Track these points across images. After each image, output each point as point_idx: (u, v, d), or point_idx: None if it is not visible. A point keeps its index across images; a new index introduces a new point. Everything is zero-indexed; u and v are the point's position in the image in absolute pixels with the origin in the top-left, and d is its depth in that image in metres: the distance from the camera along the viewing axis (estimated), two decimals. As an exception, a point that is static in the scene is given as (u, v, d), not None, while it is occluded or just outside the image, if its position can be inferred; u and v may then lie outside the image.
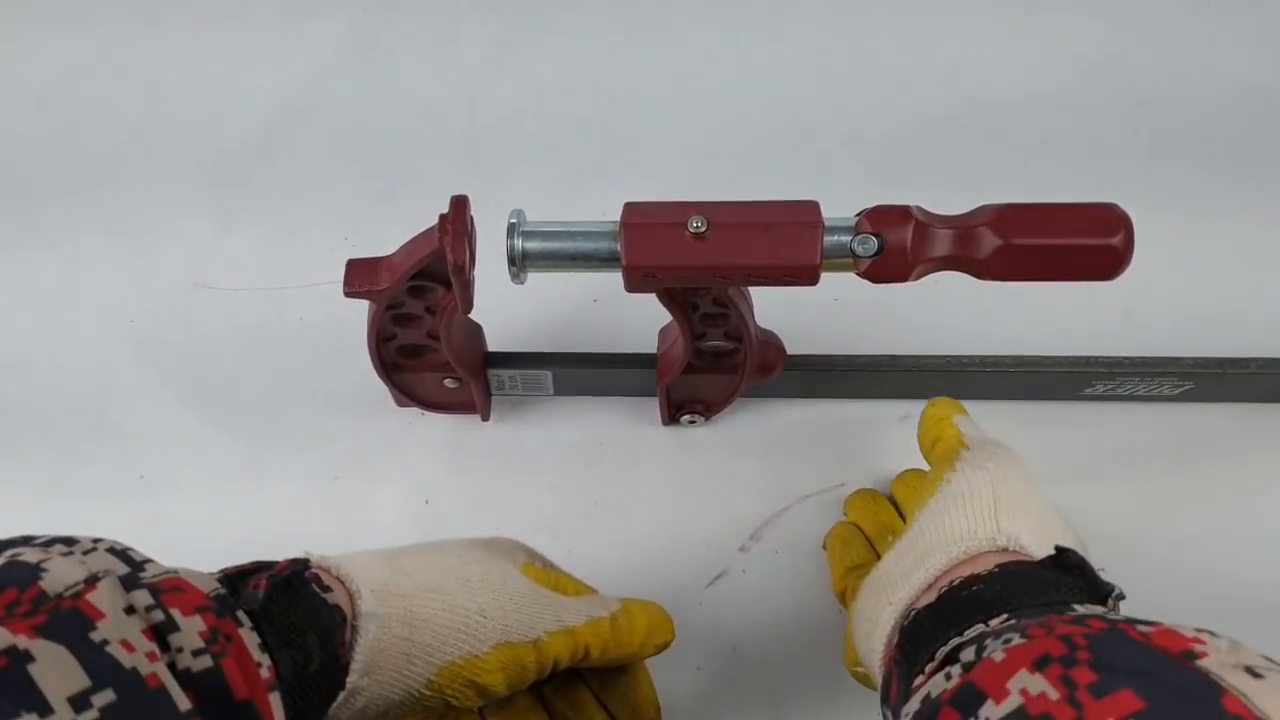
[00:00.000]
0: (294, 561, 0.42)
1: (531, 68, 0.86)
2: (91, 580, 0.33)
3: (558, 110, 0.84)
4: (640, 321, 0.68)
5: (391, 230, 0.77)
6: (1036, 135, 0.82)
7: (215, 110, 0.85)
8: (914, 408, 0.70)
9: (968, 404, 0.69)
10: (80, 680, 0.30)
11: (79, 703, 0.30)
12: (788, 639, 0.63)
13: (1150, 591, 0.58)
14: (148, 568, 0.37)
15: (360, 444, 0.69)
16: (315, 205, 0.80)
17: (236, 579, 0.40)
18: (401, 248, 0.55)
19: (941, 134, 0.82)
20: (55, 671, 0.30)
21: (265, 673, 0.36)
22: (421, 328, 0.59)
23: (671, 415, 0.68)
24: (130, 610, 0.33)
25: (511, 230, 0.51)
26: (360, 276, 0.55)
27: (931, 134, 0.82)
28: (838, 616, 0.63)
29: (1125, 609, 0.42)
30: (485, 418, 0.68)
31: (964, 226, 0.50)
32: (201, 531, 0.65)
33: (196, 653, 0.34)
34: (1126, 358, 0.67)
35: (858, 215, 0.50)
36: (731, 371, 0.64)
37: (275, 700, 0.37)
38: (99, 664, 0.31)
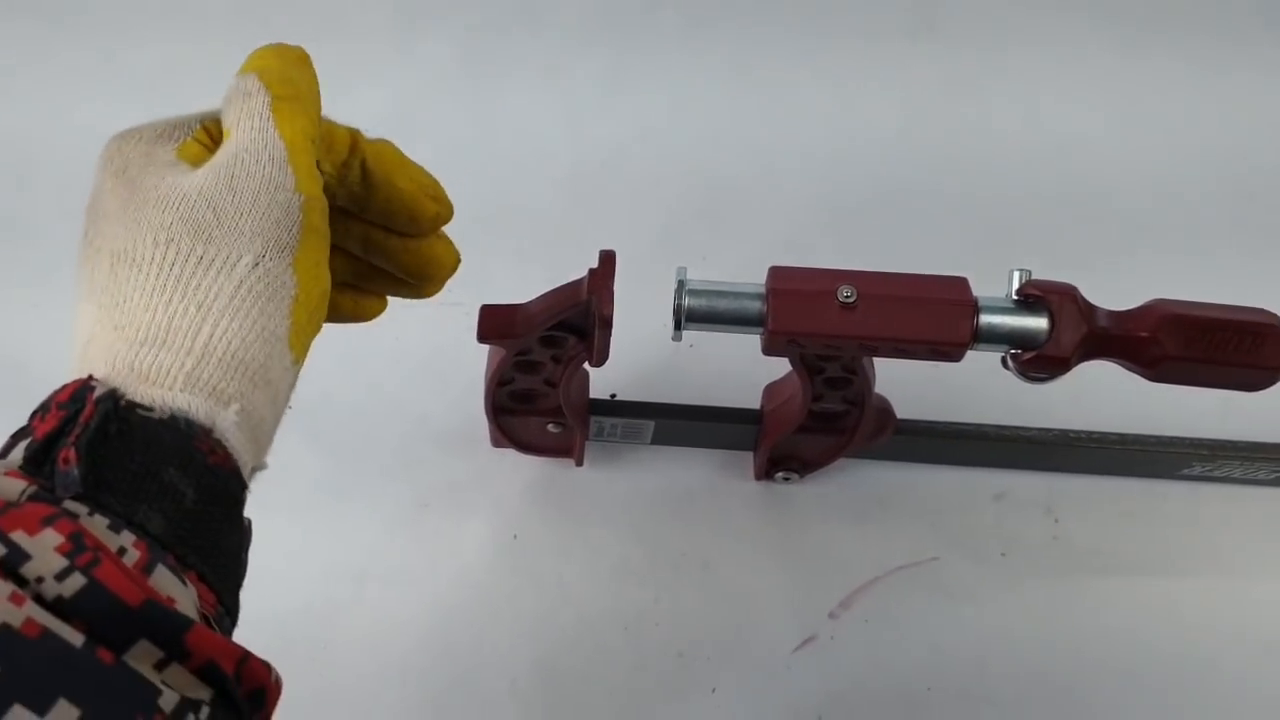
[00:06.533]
0: (97, 401, 0.32)
1: (638, 106, 0.85)
2: None
3: (662, 148, 0.84)
4: (734, 370, 0.68)
5: (489, 260, 0.77)
6: (1139, 219, 0.81)
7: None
8: (1009, 481, 0.69)
9: (1063, 477, 0.69)
10: None
11: None
12: (874, 716, 0.62)
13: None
14: None
15: (450, 474, 0.68)
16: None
17: (41, 457, 0.31)
18: (541, 297, 0.54)
19: (1044, 206, 0.81)
20: None
21: (134, 553, 0.30)
22: (541, 375, 0.58)
23: (767, 471, 0.67)
24: None
25: (679, 289, 0.51)
26: (495, 324, 0.54)
27: (1034, 205, 0.81)
28: (926, 695, 0.62)
29: None
30: (580, 463, 0.67)
31: (1131, 327, 0.49)
32: (287, 551, 0.64)
33: (62, 574, 0.28)
34: (1230, 441, 0.67)
35: (1015, 297, 0.50)
36: (839, 433, 0.63)
37: (163, 574, 0.30)
38: None
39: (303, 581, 0.64)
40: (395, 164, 0.41)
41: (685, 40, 0.87)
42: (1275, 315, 0.51)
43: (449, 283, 0.76)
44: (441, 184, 0.43)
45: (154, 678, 0.29)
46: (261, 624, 0.60)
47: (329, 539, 0.66)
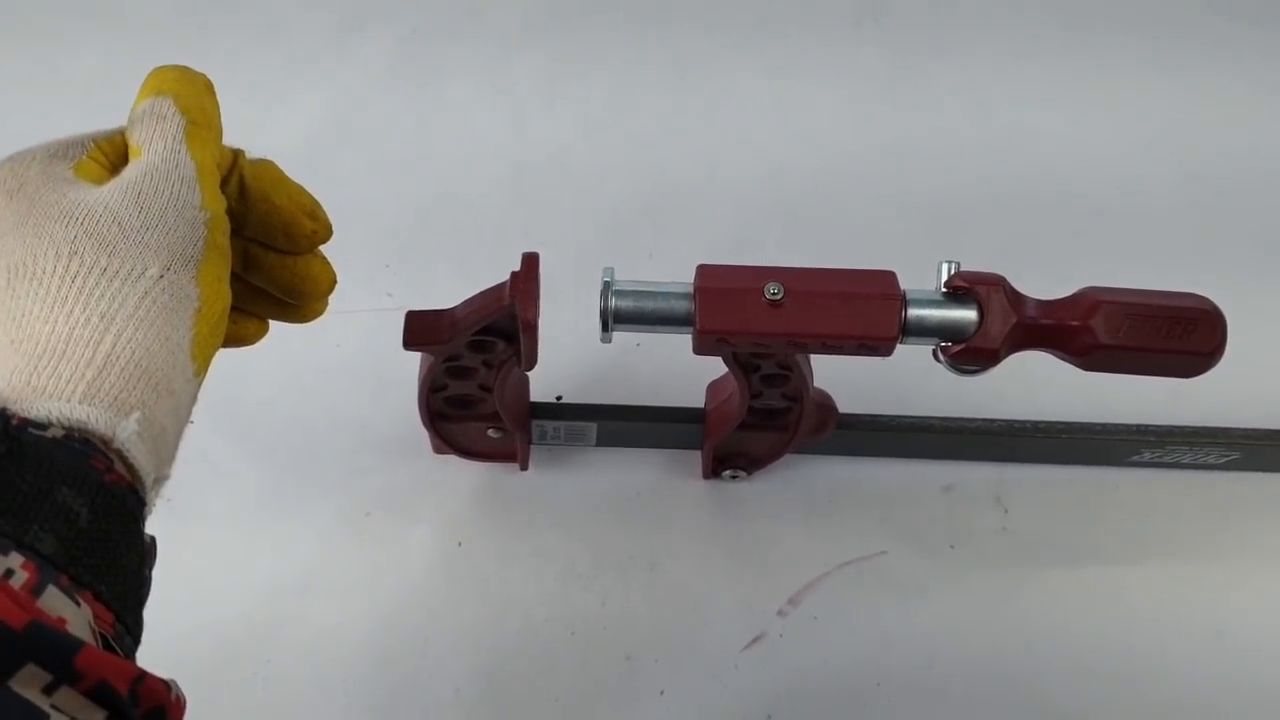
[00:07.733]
0: None
1: (580, 103, 0.85)
2: None
3: (605, 146, 0.83)
4: (683, 368, 0.66)
5: (434, 262, 0.77)
6: (1086, 211, 0.81)
7: (256, 123, 0.84)
8: (958, 472, 0.69)
9: (1012, 467, 0.69)
10: None
11: None
12: (824, 713, 0.61)
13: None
14: None
15: (393, 481, 0.67)
16: (356, 228, 0.77)
17: None
18: (467, 301, 0.53)
19: (992, 199, 0.81)
20: None
21: (23, 574, 0.29)
22: (475, 380, 0.58)
23: (714, 469, 0.66)
24: None
25: (605, 290, 0.50)
26: (421, 330, 0.54)
27: (982, 199, 0.81)
28: (876, 690, 0.62)
29: None
30: (524, 467, 0.66)
31: (1061, 315, 0.49)
32: (229, 562, 0.64)
33: None
34: (1177, 426, 0.67)
35: (944, 290, 0.49)
36: (782, 430, 0.62)
37: (54, 595, 0.30)
38: None
39: (244, 593, 0.63)
40: (273, 181, 0.42)
41: (627, 36, 0.87)
42: (1207, 300, 0.51)
43: (392, 284, 0.76)
44: (321, 205, 0.43)
45: (41, 702, 0.28)
46: (202, 637, 0.61)
47: (270, 550, 0.65)
